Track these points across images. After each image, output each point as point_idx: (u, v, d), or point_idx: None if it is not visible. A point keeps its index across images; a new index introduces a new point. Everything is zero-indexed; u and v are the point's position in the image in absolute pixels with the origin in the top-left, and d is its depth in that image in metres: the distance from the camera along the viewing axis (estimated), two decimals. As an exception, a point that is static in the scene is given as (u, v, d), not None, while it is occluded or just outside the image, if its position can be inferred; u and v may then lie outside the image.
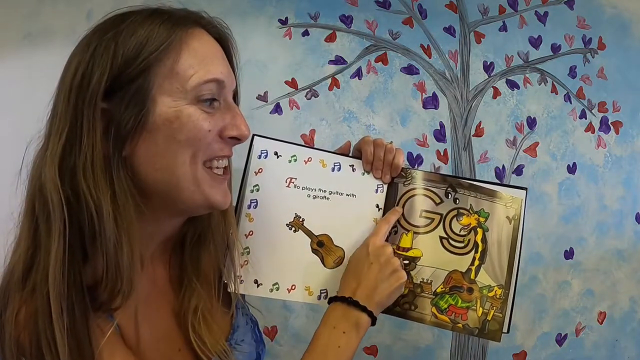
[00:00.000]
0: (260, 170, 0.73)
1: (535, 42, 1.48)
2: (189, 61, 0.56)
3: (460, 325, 0.74)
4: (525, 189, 0.79)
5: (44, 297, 0.52)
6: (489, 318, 0.74)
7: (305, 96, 1.31)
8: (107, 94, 0.53)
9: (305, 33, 1.31)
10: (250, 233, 0.72)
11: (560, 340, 1.50)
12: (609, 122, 1.54)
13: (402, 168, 0.77)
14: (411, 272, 0.75)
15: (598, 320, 1.53)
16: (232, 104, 0.60)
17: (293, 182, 0.74)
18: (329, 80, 1.33)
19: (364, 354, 1.34)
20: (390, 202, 0.77)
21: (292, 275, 0.73)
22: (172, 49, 0.55)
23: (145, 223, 0.58)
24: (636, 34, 1.57)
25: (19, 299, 0.53)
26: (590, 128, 1.53)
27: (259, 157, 0.73)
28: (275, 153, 0.73)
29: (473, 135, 1.43)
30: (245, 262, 0.70)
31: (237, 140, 0.60)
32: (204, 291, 0.65)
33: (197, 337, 0.62)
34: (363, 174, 0.77)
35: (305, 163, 0.75)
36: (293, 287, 0.73)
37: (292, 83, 1.30)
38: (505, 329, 0.75)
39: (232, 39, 0.63)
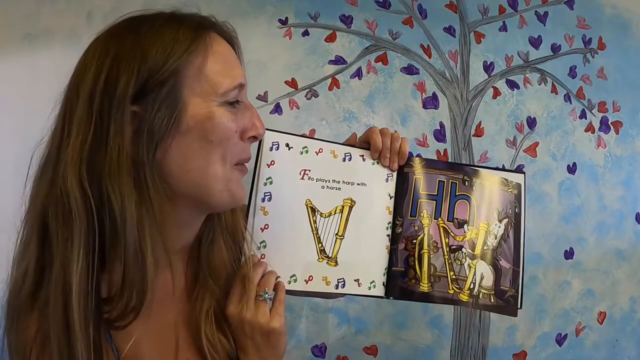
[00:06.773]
0: (272, 163, 0.72)
1: (535, 42, 1.48)
2: (216, 66, 0.56)
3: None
4: (523, 172, 0.84)
5: (60, 313, 0.50)
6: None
7: (305, 96, 1.31)
8: (136, 97, 0.52)
9: (305, 33, 1.31)
10: (266, 226, 0.71)
11: (560, 340, 1.50)
12: (609, 122, 1.54)
13: (408, 157, 0.79)
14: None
15: (598, 320, 1.53)
16: (249, 103, 0.61)
17: (307, 174, 0.74)
18: (329, 80, 1.33)
19: (364, 354, 1.34)
20: (401, 191, 0.79)
21: (309, 266, 0.73)
22: (199, 52, 0.55)
23: (167, 229, 0.57)
24: (636, 34, 1.58)
25: (29, 318, 0.52)
26: (590, 128, 1.53)
27: (271, 149, 0.72)
28: (287, 145, 0.73)
29: (473, 135, 1.43)
30: (262, 257, 0.70)
31: (255, 139, 0.62)
32: (217, 290, 0.64)
33: (211, 346, 0.62)
34: (373, 163, 0.78)
35: (317, 154, 0.75)
36: (310, 278, 0.72)
37: (292, 83, 1.30)
38: (519, 305, 0.79)
39: (239, 42, 0.64)
